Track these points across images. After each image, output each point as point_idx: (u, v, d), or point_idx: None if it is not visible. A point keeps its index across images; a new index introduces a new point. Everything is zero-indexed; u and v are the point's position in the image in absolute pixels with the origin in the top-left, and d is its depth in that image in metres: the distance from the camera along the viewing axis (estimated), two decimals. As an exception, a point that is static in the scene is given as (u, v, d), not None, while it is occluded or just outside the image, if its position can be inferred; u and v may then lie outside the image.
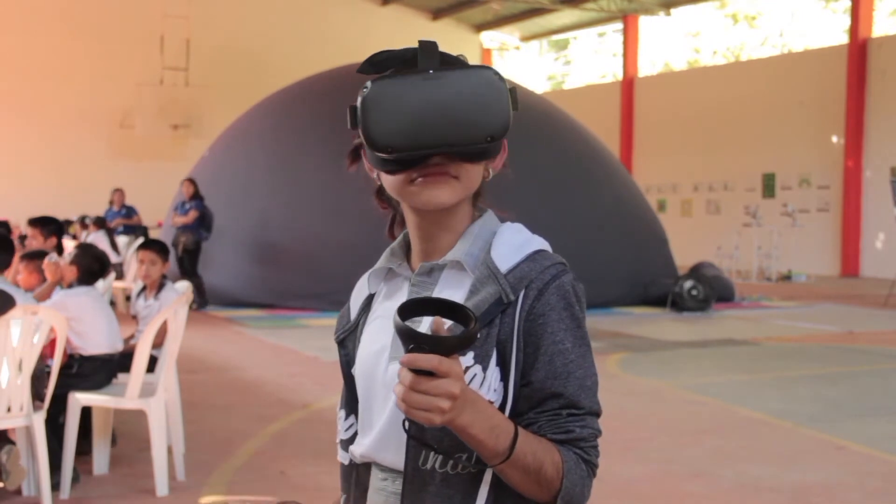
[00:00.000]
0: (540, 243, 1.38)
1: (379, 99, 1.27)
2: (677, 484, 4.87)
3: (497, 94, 1.28)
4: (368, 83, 1.29)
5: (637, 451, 5.38)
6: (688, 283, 12.62)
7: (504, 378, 1.30)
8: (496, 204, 1.45)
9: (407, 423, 1.23)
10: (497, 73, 1.29)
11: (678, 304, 12.52)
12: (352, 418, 1.44)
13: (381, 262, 1.46)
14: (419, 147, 1.27)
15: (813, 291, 16.07)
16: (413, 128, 1.26)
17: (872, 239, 19.51)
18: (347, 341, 1.47)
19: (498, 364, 1.30)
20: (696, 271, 13.32)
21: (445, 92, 1.26)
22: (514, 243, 1.36)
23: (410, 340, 1.14)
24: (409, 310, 1.18)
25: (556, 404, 1.29)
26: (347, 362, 1.46)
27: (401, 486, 1.33)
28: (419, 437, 1.27)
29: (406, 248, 1.45)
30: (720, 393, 7.14)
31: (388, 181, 1.35)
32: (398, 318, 1.15)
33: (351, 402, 1.45)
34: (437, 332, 1.15)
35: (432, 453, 1.30)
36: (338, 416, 1.48)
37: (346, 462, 1.46)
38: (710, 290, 12.62)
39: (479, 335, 1.27)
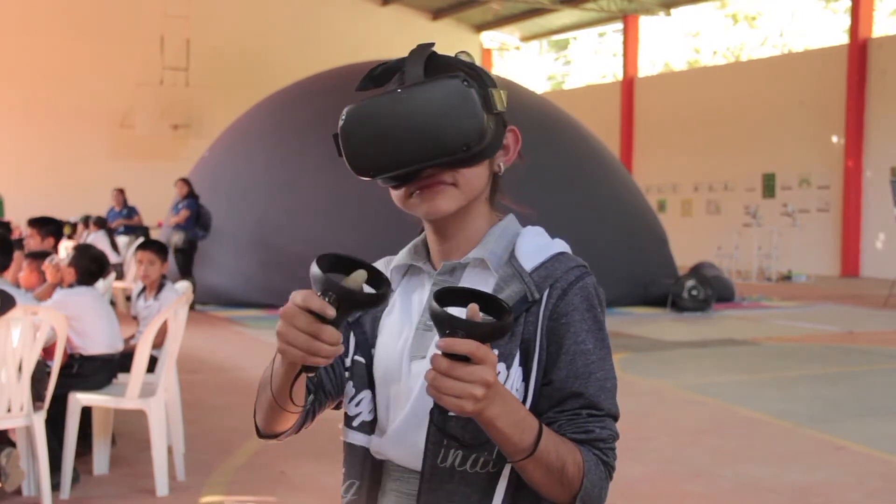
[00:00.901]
0: (562, 246, 1.39)
1: (353, 127, 1.30)
2: (677, 484, 4.87)
3: (466, 101, 1.27)
4: (345, 112, 1.30)
5: (637, 451, 5.38)
6: (688, 284, 12.62)
7: (525, 378, 1.30)
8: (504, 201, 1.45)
9: (433, 414, 1.20)
10: (465, 80, 1.28)
11: (678, 304, 12.52)
12: (361, 395, 1.39)
13: (404, 258, 1.44)
14: (398, 167, 1.28)
15: (813, 291, 16.07)
16: (389, 149, 1.28)
17: (872, 239, 19.51)
18: (363, 318, 1.43)
19: (521, 364, 1.30)
20: (696, 271, 13.32)
21: (413, 108, 1.27)
22: (537, 245, 1.37)
23: (446, 325, 1.12)
24: (444, 298, 1.17)
25: (576, 404, 1.29)
26: (365, 340, 1.41)
27: (415, 487, 1.32)
28: (442, 427, 1.26)
29: (427, 245, 1.44)
30: (720, 393, 7.14)
31: (393, 196, 1.37)
32: (435, 304, 1.14)
33: (362, 380, 1.40)
34: (472, 319, 1.14)
35: (452, 451, 1.29)
36: (345, 390, 1.42)
37: (356, 443, 1.41)
38: (710, 290, 12.62)
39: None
